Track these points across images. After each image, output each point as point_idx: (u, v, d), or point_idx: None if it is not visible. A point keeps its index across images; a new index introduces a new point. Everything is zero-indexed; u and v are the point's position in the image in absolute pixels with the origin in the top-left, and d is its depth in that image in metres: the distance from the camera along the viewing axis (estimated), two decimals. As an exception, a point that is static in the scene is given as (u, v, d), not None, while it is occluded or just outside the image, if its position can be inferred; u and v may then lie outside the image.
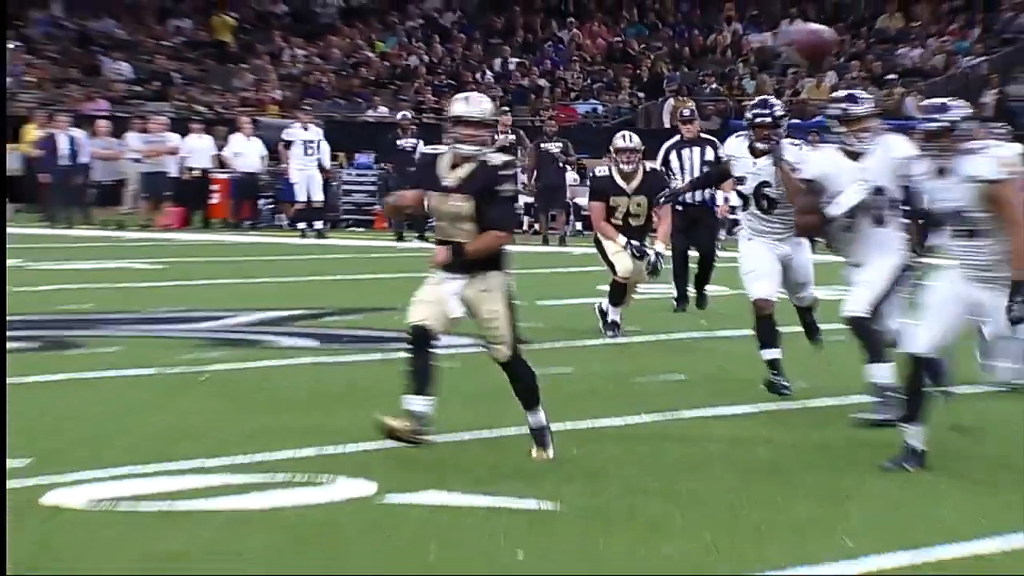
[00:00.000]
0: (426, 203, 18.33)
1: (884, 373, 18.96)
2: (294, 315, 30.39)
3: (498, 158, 19.10)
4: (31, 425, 19.32)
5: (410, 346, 18.11)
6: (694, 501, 16.78)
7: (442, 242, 18.36)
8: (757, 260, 21.92)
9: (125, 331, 24.95)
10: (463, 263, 17.97)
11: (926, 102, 21.26)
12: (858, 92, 26.78)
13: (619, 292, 31.01)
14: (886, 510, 16.23)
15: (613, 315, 30.97)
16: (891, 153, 20.72)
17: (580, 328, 29.97)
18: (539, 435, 18.56)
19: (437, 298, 18.01)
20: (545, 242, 63.70)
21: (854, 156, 22.07)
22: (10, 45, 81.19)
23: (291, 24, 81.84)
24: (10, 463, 17.26)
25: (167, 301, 35.74)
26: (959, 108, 19.01)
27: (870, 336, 18.64)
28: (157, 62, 77.79)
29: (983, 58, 73.70)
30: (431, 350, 17.86)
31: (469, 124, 18.00)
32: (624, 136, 31.43)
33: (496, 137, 18.60)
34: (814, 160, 22.17)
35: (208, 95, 75.61)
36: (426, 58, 79.02)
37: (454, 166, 18.03)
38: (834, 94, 26.18)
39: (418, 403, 18.02)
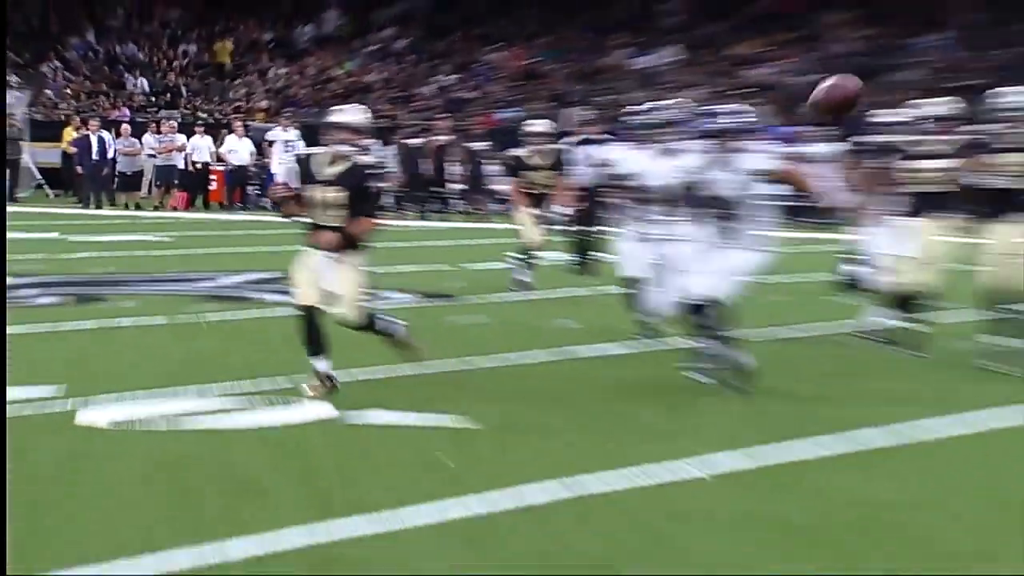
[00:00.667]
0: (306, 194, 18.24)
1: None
2: (276, 276, 30.19)
3: (368, 159, 19.47)
4: (66, 361, 19.56)
5: (303, 322, 18.16)
6: (580, 415, 17.20)
7: (318, 227, 18.34)
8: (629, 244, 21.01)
9: (141, 289, 24.96)
10: (335, 244, 17.92)
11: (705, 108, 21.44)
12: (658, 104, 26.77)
13: (529, 255, 30.90)
14: (718, 419, 16.62)
15: (521, 276, 30.90)
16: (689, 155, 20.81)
17: (496, 286, 29.77)
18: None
19: (313, 275, 18.05)
20: (467, 218, 61.29)
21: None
22: (52, 64, 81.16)
23: (275, 49, 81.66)
24: (48, 390, 17.84)
25: (174, 266, 35.65)
26: (729, 114, 19.50)
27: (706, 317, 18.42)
28: (168, 78, 77.66)
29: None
30: (320, 321, 17.86)
31: (346, 130, 18.12)
32: (533, 123, 31.90)
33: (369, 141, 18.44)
34: (633, 158, 21.85)
35: (208, 104, 75.36)
36: (382, 76, 78.81)
37: (332, 163, 18.11)
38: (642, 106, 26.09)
39: (321, 363, 18.10)
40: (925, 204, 22.08)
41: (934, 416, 17.52)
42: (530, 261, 30.68)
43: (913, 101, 23.84)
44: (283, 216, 17.92)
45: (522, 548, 11.68)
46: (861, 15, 75.64)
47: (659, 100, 22.00)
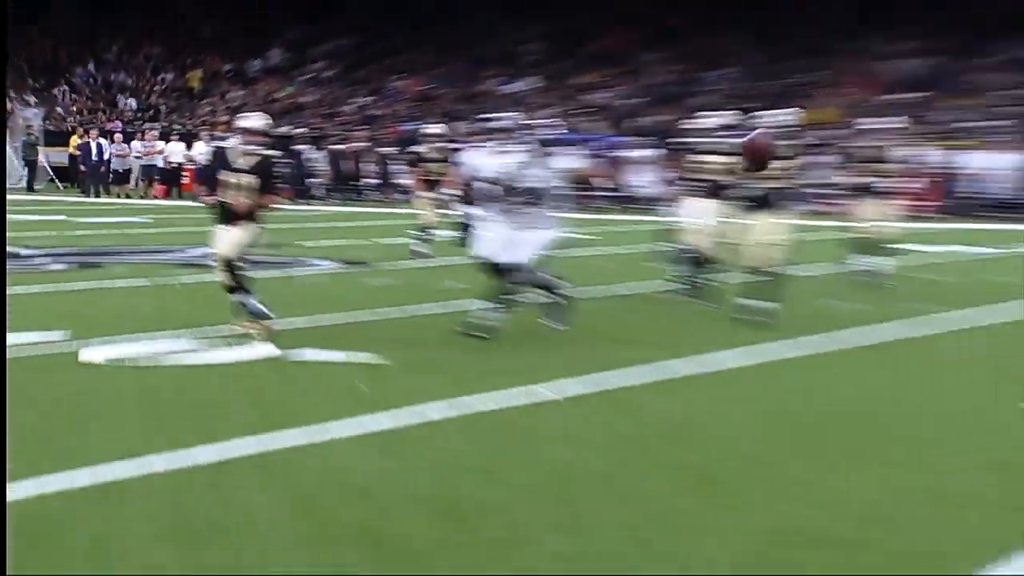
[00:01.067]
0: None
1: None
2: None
3: (273, 153, 19.37)
4: (71, 313, 19.60)
5: (227, 272, 18.07)
6: (464, 353, 17.20)
7: (229, 204, 18.18)
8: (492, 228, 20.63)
9: (129, 258, 24.87)
10: (238, 215, 17.89)
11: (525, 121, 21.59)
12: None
13: (425, 231, 31.01)
14: (564, 355, 16.63)
15: (419, 247, 31.11)
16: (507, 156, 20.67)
17: (401, 255, 29.89)
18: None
19: (226, 239, 17.90)
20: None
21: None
22: (61, 88, 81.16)
23: (233, 77, 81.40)
24: (57, 335, 17.87)
25: (155, 241, 35.32)
26: (543, 127, 19.95)
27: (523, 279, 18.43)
28: (151, 99, 77.55)
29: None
30: (239, 270, 17.80)
31: (251, 132, 18.12)
32: (429, 127, 32.33)
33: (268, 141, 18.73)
34: (478, 157, 20.75)
35: (181, 118, 75.30)
36: (314, 97, 78.58)
37: (243, 156, 18.03)
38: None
39: (252, 302, 18.09)
40: (713, 191, 22.40)
41: (723, 350, 17.88)
42: (427, 236, 30.55)
43: (705, 113, 24.41)
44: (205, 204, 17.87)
45: (423, 453, 11.93)
46: (671, 54, 75.63)
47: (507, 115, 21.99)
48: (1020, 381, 15.85)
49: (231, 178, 17.94)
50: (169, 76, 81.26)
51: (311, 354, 16.87)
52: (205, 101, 76.78)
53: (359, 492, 10.44)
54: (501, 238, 18.37)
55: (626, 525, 9.74)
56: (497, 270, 18.44)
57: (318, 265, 30.71)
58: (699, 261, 22.70)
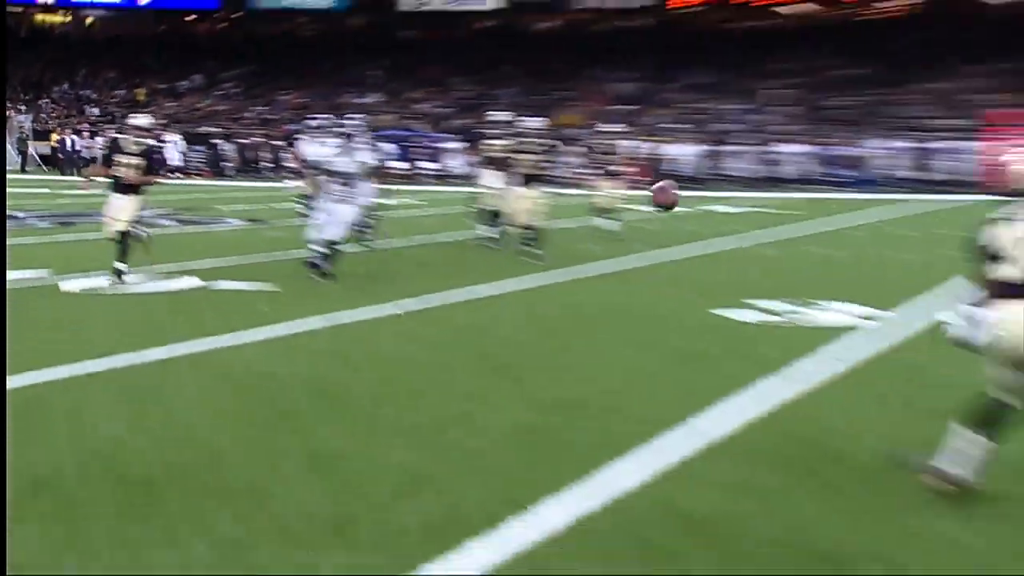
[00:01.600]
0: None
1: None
2: (167, 211, 29.37)
3: (153, 143, 19.42)
4: (53, 256, 19.27)
5: (123, 229, 17.15)
6: (332, 283, 16.99)
7: (121, 179, 17.26)
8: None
9: (95, 219, 24.02)
10: (130, 188, 17.14)
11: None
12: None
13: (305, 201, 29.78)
14: (401, 283, 16.47)
15: (302, 211, 29.73)
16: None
17: (288, 215, 28.70)
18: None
19: (115, 211, 17.11)
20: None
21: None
22: (45, 100, 79.44)
23: (167, 92, 79.15)
24: (42, 272, 17.71)
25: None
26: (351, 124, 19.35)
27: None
28: (108, 108, 75.16)
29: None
30: (128, 240, 17.03)
31: (139, 128, 17.43)
32: (312, 118, 26.81)
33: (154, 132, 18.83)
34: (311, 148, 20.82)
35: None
36: (225, 107, 76.77)
37: (134, 143, 17.18)
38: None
39: (122, 268, 17.04)
40: (500, 167, 22.28)
41: (511, 278, 17.95)
42: (307, 202, 29.78)
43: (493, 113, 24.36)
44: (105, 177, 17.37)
45: (306, 351, 12.03)
46: (472, 79, 75.02)
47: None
48: (703, 293, 15.86)
49: (123, 160, 17.18)
50: (122, 92, 79.22)
51: (226, 284, 16.75)
52: (147, 110, 75.23)
53: (264, 376, 10.65)
54: (324, 213, 17.90)
55: (442, 397, 9.99)
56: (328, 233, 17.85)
57: (230, 223, 30.35)
58: (494, 217, 22.51)
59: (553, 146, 23.61)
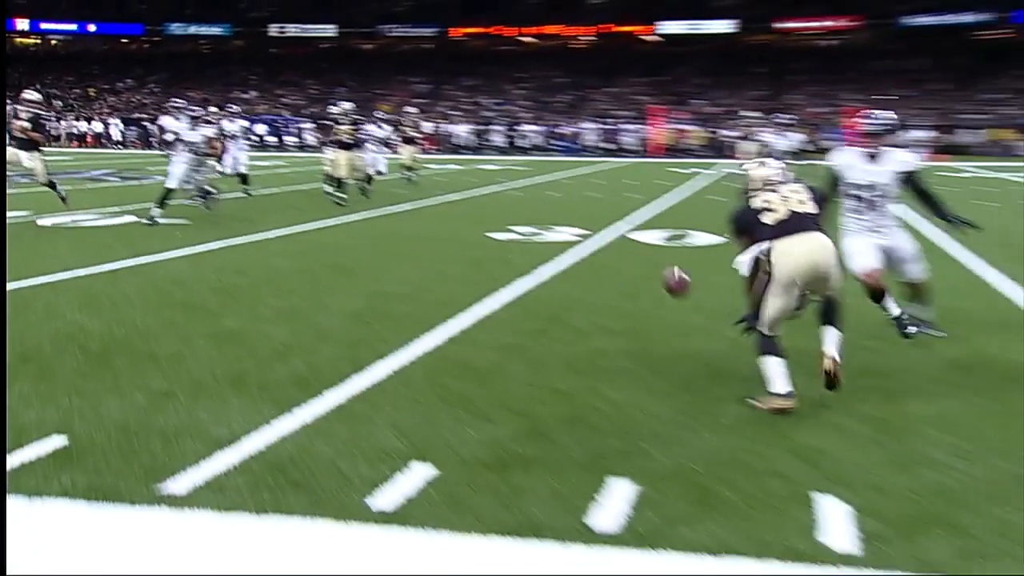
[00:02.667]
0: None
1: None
2: (109, 172, 28.46)
3: (42, 112, 17.29)
4: (30, 202, 18.09)
5: (43, 172, 16.59)
6: (200, 222, 16.30)
7: (22, 139, 16.17)
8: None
9: (60, 177, 23.21)
10: (32, 144, 16.18)
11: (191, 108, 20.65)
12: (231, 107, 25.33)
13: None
14: (262, 215, 15.92)
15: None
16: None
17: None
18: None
19: (26, 156, 16.15)
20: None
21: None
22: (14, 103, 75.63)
23: (108, 90, 75.75)
24: (24, 213, 16.70)
25: (79, 167, 33.20)
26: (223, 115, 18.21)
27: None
28: (70, 101, 71.62)
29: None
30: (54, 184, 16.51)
31: (29, 101, 16.36)
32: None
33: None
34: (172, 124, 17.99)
35: (88, 111, 69.80)
36: (150, 100, 73.86)
37: (25, 113, 16.05)
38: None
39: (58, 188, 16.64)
40: (340, 143, 20.63)
41: (349, 215, 17.28)
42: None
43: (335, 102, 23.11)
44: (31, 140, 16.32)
45: (208, 264, 11.64)
46: (314, 81, 73.76)
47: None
48: (478, 222, 15.84)
49: (17, 123, 16.10)
50: (77, 91, 75.72)
51: (156, 213, 15.73)
52: (96, 104, 72.05)
53: (180, 281, 10.27)
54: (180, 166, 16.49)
55: (305, 291, 9.75)
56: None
57: (156, 178, 27.48)
58: (336, 179, 20.85)
59: (362, 123, 22.43)
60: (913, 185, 7.16)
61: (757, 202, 6.24)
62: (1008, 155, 47.08)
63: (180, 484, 4.52)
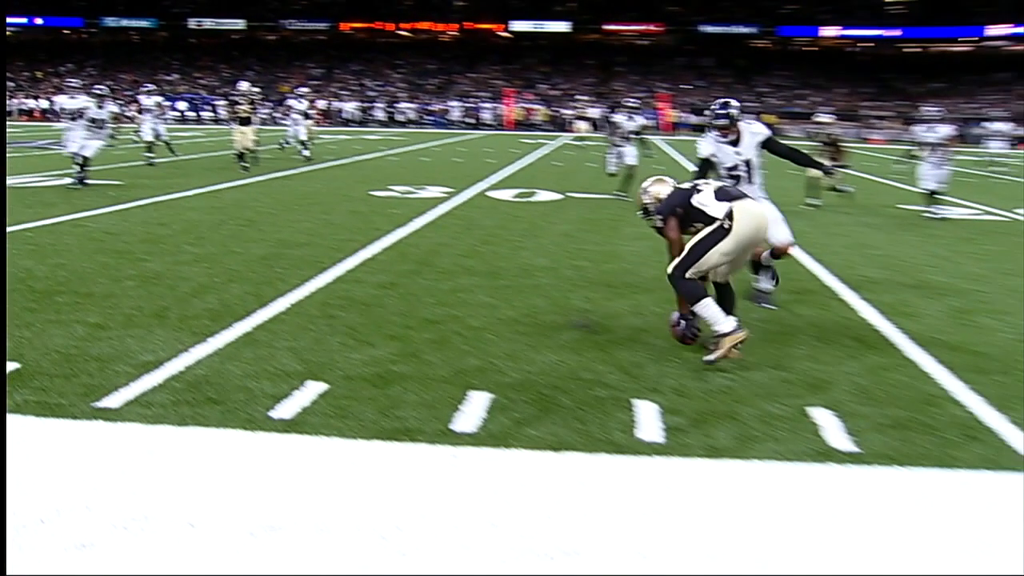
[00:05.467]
0: None
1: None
2: (57, 140, 27.23)
3: None
4: (28, 166, 17.18)
5: None
6: (133, 179, 15.57)
7: None
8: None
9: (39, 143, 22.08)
10: None
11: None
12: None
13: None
14: (188, 175, 15.27)
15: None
16: None
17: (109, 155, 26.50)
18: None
19: None
20: None
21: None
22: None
23: (53, 75, 71.75)
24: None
25: (50, 136, 31.45)
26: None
27: None
28: (21, 84, 67.82)
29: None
30: None
31: None
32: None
33: None
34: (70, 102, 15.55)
35: (35, 91, 66.14)
36: (87, 83, 70.60)
37: None
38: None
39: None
40: (239, 120, 18.97)
41: (256, 177, 16.74)
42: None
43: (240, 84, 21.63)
44: None
45: (137, 218, 11.12)
46: (232, 65, 71.27)
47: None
48: (362, 181, 15.65)
49: None
50: (27, 74, 71.53)
51: (89, 181, 14.82)
52: (43, 84, 68.22)
53: (111, 232, 9.82)
54: (75, 142, 14.67)
55: (218, 239, 9.42)
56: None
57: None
58: (241, 154, 19.74)
59: (258, 100, 21.25)
60: (772, 148, 6.60)
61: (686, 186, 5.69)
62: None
63: (113, 400, 4.41)
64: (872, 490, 3.62)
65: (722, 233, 5.32)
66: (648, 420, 4.32)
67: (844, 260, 9.16)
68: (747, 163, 6.67)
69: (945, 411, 4.55)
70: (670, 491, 3.55)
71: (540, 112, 55.56)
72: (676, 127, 50.59)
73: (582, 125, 37.08)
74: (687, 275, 5.36)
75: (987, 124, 25.45)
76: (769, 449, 4.00)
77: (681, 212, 5.52)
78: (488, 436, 4.07)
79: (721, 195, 5.49)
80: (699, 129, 47.47)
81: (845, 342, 5.76)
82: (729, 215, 5.34)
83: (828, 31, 67.22)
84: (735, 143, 6.62)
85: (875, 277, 8.26)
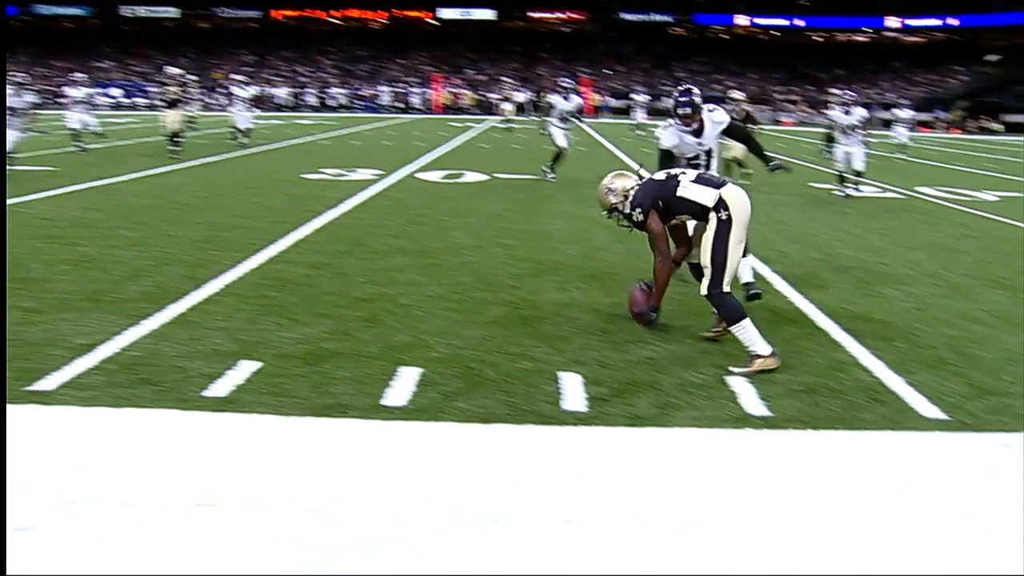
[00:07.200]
0: None
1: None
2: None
3: None
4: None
5: None
6: (87, 160, 15.11)
7: None
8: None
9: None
10: None
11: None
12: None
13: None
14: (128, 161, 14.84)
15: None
16: None
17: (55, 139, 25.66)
18: None
19: None
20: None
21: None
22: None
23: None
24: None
25: None
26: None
27: None
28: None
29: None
30: None
31: None
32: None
33: None
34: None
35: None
36: (16, 69, 67.64)
37: None
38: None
39: None
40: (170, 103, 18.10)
41: (191, 161, 16.27)
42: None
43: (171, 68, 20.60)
44: None
45: (72, 203, 10.76)
46: (166, 53, 69.45)
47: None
48: (294, 165, 15.50)
49: None
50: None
51: (27, 168, 14.32)
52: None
53: (46, 217, 9.48)
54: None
55: (152, 223, 9.17)
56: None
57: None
58: (174, 134, 19.08)
59: (190, 84, 20.42)
60: (732, 133, 6.29)
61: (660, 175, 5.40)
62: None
63: (48, 383, 4.27)
64: (785, 452, 3.67)
65: (726, 227, 4.96)
66: (572, 391, 4.32)
67: (759, 236, 9.21)
68: (708, 153, 6.26)
69: (852, 376, 4.65)
70: (594, 459, 3.55)
71: (467, 96, 55.47)
72: (598, 110, 50.94)
73: (507, 107, 37.04)
74: (725, 288, 4.94)
75: (895, 111, 26.13)
76: (688, 416, 4.03)
77: (661, 205, 5.21)
78: (418, 410, 4.04)
79: (703, 182, 5.16)
80: (620, 112, 48.19)
81: (760, 313, 5.83)
82: (722, 205, 4.99)
83: (741, 19, 68.39)
84: (697, 133, 6.17)
85: (788, 252, 8.42)
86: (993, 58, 59.08)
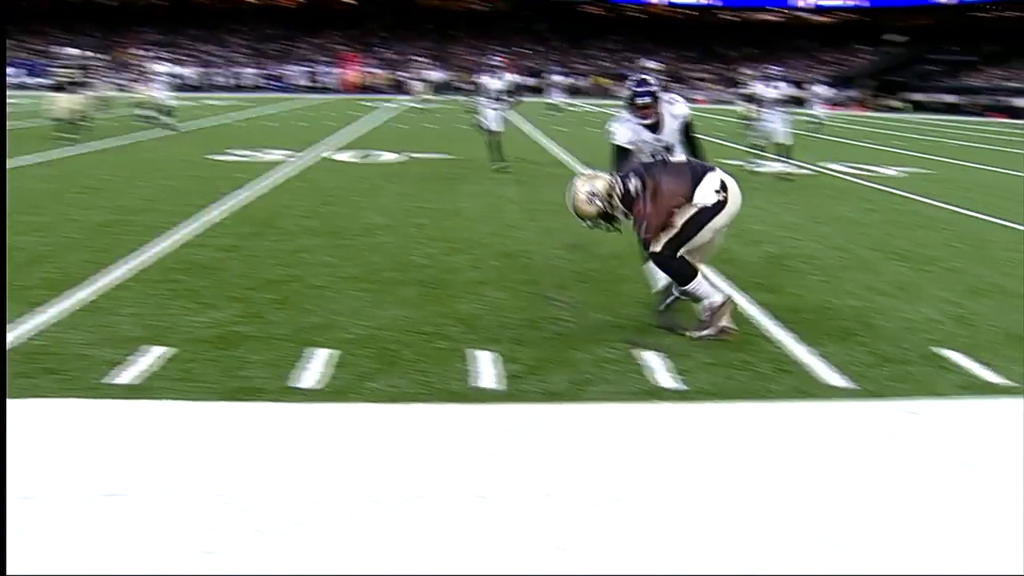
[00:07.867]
0: None
1: None
2: None
3: None
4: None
5: None
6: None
7: None
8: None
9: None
10: None
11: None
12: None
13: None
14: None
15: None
16: None
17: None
18: None
19: None
20: None
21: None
22: None
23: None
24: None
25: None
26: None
27: None
28: None
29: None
30: None
31: None
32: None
33: None
34: None
35: None
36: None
37: None
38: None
39: None
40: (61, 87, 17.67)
41: (77, 147, 15.76)
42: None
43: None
44: None
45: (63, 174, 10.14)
46: (131, 40, 67.00)
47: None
48: (202, 146, 15.14)
49: None
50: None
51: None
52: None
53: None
54: None
55: (43, 212, 8.90)
56: None
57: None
58: (70, 122, 17.87)
59: (91, 69, 19.79)
60: (685, 133, 5.55)
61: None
62: (606, 96, 50.09)
63: (-61, 376, 4.11)
64: (697, 424, 3.73)
65: (719, 207, 4.80)
66: (487, 369, 4.33)
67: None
68: (667, 149, 5.54)
69: (762, 348, 4.75)
70: (509, 435, 3.56)
71: (380, 76, 54.99)
72: (515, 89, 50.90)
73: (419, 87, 36.80)
74: (678, 254, 4.82)
75: (814, 88, 26.53)
76: (602, 391, 4.07)
77: (654, 182, 4.85)
78: (331, 392, 4.00)
79: (703, 167, 4.94)
80: (535, 91, 48.23)
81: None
82: (723, 187, 4.82)
83: (657, -1, 68.99)
84: (655, 128, 5.46)
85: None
86: (898, 38, 60.95)
